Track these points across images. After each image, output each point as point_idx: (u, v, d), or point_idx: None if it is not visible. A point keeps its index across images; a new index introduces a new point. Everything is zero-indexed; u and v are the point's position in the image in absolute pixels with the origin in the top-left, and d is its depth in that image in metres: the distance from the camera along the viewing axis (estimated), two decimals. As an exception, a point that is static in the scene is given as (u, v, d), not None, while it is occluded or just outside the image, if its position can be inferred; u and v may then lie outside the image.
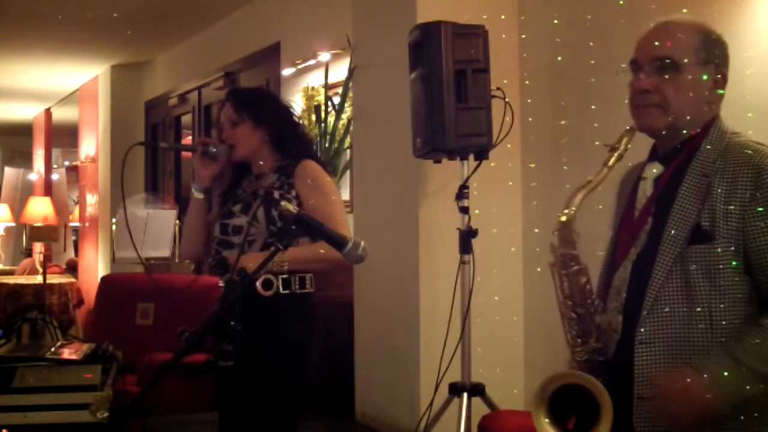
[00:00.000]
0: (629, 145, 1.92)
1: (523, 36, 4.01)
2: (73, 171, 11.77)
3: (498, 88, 3.43)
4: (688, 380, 1.73)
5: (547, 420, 1.81)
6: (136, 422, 1.94)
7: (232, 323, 1.92)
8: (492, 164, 3.55)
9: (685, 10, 2.07)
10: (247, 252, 2.73)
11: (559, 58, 3.70)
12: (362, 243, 2.12)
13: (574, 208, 1.87)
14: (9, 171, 12.80)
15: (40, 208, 8.95)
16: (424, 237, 3.84)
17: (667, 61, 1.87)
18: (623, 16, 3.36)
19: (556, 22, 3.74)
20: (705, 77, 1.88)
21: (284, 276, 2.73)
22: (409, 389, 3.86)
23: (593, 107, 3.34)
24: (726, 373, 1.72)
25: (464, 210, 3.36)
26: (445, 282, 3.56)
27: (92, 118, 9.65)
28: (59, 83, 9.91)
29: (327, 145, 4.95)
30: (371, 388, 4.18)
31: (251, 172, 2.94)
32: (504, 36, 3.89)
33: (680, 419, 1.76)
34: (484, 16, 3.61)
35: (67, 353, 3.16)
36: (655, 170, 1.94)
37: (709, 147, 1.86)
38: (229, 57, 6.82)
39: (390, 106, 3.98)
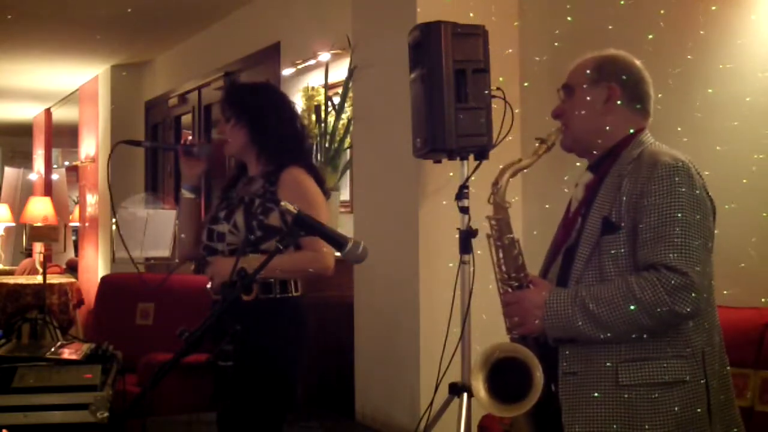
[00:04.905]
0: (556, 140, 2.18)
1: (523, 36, 4.00)
2: (73, 171, 11.77)
3: (498, 88, 3.43)
4: (533, 298, 2.02)
5: (483, 385, 2.01)
6: (136, 422, 1.94)
7: (232, 323, 1.92)
8: (492, 164, 3.55)
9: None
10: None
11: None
12: (362, 243, 2.12)
13: (502, 185, 2.19)
14: (9, 171, 12.80)
15: (40, 208, 8.95)
16: (424, 237, 3.84)
17: (566, 87, 2.17)
18: (623, 15, 3.36)
19: (555, 25, 3.74)
20: (594, 94, 2.12)
21: (265, 281, 2.67)
22: (409, 389, 3.86)
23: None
24: (564, 296, 1.98)
25: (464, 210, 3.35)
26: (445, 282, 3.56)
27: (92, 118, 9.65)
28: (59, 83, 9.91)
29: (327, 145, 4.95)
30: (371, 388, 4.18)
31: (248, 172, 2.90)
32: (504, 36, 3.89)
33: (518, 327, 2.06)
34: (484, 16, 3.61)
35: (67, 353, 3.16)
36: (585, 178, 2.17)
37: (627, 154, 2.07)
38: (229, 57, 6.82)
39: (390, 106, 3.98)
